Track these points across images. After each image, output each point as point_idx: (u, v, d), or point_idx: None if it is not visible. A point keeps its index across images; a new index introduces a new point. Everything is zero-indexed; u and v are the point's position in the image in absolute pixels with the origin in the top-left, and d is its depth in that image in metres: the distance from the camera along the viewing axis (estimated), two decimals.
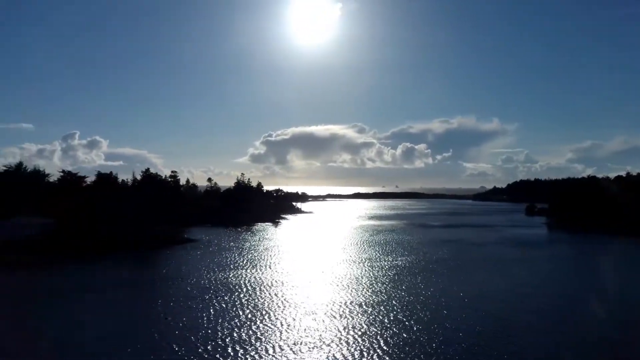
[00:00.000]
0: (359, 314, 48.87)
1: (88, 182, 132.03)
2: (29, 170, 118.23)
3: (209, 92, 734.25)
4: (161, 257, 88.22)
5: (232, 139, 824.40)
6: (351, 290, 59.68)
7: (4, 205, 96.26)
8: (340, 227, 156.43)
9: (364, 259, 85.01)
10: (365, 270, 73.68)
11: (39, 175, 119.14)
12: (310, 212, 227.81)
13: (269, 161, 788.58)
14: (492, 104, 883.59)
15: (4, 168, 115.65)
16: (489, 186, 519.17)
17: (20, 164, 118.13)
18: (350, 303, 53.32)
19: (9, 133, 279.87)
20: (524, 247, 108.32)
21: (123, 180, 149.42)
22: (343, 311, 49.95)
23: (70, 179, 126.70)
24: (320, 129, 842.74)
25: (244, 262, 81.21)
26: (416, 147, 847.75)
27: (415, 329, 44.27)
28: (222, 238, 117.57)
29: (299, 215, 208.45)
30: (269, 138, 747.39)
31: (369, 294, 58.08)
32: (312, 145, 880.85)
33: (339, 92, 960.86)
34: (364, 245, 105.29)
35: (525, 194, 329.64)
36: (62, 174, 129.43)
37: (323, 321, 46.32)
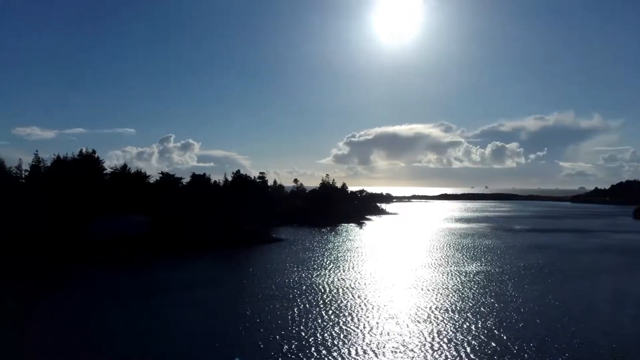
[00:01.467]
0: (445, 320, 47.45)
1: (184, 183, 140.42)
2: (132, 171, 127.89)
3: (294, 95, 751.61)
4: (249, 255, 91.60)
5: (316, 140, 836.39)
6: (436, 295, 58.14)
7: (112, 203, 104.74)
8: (425, 229, 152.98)
9: (450, 263, 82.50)
10: (451, 275, 71.43)
11: (140, 176, 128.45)
12: (395, 214, 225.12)
13: (352, 162, 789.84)
14: (592, 98, 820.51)
15: (111, 170, 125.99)
16: (590, 187, 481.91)
17: (124, 166, 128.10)
18: (435, 308, 51.95)
19: (114, 137, 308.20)
20: (634, 255, 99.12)
21: (215, 180, 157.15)
22: (427, 316, 48.80)
23: (168, 180, 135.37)
24: (404, 129, 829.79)
25: (328, 262, 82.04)
26: (507, 145, 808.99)
27: (505, 337, 42.16)
28: (307, 238, 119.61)
29: (384, 217, 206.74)
30: (352, 139, 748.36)
31: (455, 299, 56.22)
32: (395, 145, 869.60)
33: (424, 90, 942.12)
34: (450, 249, 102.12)
35: (633, 195, 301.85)
36: (161, 175, 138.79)
37: (407, 325, 45.55)
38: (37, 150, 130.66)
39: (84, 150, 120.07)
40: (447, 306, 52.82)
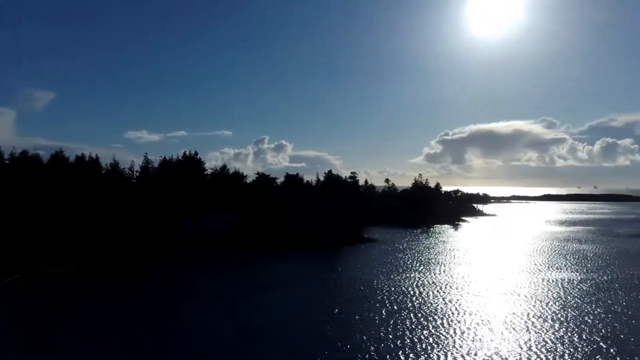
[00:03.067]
0: (544, 329, 44.63)
1: (278, 183, 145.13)
2: (230, 172, 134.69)
3: (384, 94, 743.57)
4: (340, 254, 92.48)
5: (407, 139, 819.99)
6: (534, 302, 54.82)
7: (213, 202, 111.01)
8: (526, 232, 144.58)
9: (552, 269, 77.38)
10: (553, 282, 66.93)
11: (238, 176, 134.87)
12: (492, 215, 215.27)
13: (445, 160, 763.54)
14: None
15: (212, 170, 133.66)
16: None
17: (224, 167, 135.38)
18: (533, 316, 49.02)
19: (213, 139, 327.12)
20: None
21: (307, 180, 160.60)
22: (524, 324, 46.21)
23: (264, 180, 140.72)
24: (502, 126, 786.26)
25: (419, 264, 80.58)
26: (619, 142, 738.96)
27: (614, 352, 38.75)
28: (399, 239, 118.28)
29: (480, 218, 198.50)
30: (445, 137, 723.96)
31: (556, 308, 52.62)
32: (492, 143, 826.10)
33: (524, 85, 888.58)
34: (553, 254, 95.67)
35: None
36: (257, 175, 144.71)
37: (501, 333, 43.51)
38: (146, 153, 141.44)
39: (187, 152, 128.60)
40: (547, 315, 49.62)
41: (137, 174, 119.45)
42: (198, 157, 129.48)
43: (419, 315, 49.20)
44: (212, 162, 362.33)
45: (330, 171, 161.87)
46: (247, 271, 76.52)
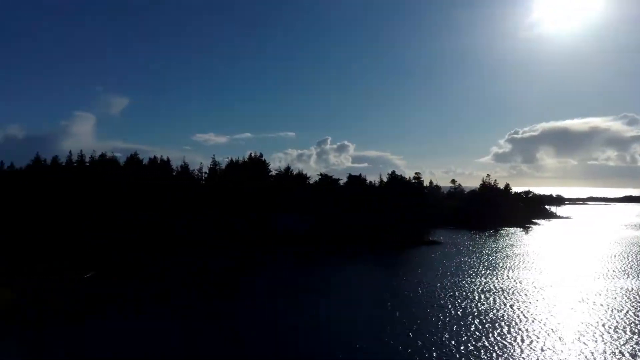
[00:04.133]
0: (618, 340, 41.90)
1: (341, 184, 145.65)
2: (294, 172, 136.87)
3: (449, 92, 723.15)
4: (403, 257, 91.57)
5: (474, 137, 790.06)
6: (609, 311, 51.58)
7: (277, 202, 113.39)
8: (603, 236, 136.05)
9: (630, 276, 72.39)
10: (631, 290, 62.61)
11: (301, 177, 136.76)
12: (567, 217, 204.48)
13: (515, 160, 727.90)
14: None
15: (276, 171, 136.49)
16: None
17: (287, 168, 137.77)
18: (607, 326, 46.14)
19: (277, 141, 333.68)
20: None
21: (370, 181, 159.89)
22: (597, 334, 43.59)
23: (327, 181, 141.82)
24: (577, 123, 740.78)
25: (484, 268, 78.11)
26: None
27: None
28: (464, 241, 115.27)
29: (553, 221, 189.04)
30: (515, 135, 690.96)
31: (634, 318, 49.22)
32: (566, 141, 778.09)
33: (601, 80, 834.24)
34: (633, 260, 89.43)
35: None
36: (320, 176, 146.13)
37: (572, 342, 41.37)
38: (214, 155, 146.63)
39: (252, 154, 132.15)
40: (623, 326, 46.50)
41: (206, 175, 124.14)
42: (263, 158, 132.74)
43: (484, 321, 47.76)
44: (276, 162, 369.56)
45: (393, 172, 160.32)
46: (314, 272, 77.18)
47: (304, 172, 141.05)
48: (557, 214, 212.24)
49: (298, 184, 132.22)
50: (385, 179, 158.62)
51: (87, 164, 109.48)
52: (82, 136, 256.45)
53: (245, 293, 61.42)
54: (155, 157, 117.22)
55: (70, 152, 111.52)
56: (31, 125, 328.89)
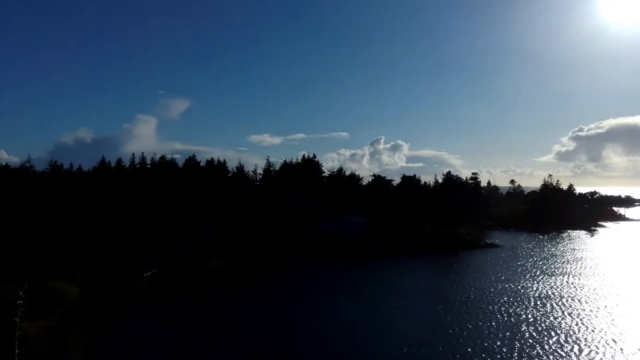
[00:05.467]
0: None
1: (394, 184, 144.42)
2: (346, 174, 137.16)
3: (508, 88, 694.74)
4: (458, 260, 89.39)
5: (535, 135, 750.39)
6: None
7: (331, 204, 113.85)
8: None
9: None
10: None
11: (354, 178, 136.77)
12: (638, 220, 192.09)
13: (579, 159, 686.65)
14: None
15: (329, 172, 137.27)
16: None
17: (340, 169, 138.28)
18: None
19: (330, 141, 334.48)
20: None
21: (425, 182, 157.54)
22: None
23: (380, 182, 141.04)
24: None
25: (543, 273, 74.87)
26: None
27: None
28: (523, 245, 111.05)
29: (622, 223, 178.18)
30: (579, 133, 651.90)
31: None
32: (636, 138, 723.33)
33: None
34: None
35: None
36: (372, 177, 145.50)
37: (633, 354, 38.91)
38: (268, 156, 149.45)
39: (305, 155, 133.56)
40: None
41: (260, 176, 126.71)
42: (316, 159, 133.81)
43: (539, 328, 45.85)
44: (328, 163, 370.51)
45: (449, 172, 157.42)
46: (366, 274, 76.75)
47: (356, 173, 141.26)
48: (627, 216, 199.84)
49: (350, 185, 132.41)
50: (440, 180, 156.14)
51: (148, 166, 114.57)
52: (144, 138, 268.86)
53: (299, 293, 62.30)
54: (212, 158, 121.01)
55: (133, 154, 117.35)
56: (99, 129, 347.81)
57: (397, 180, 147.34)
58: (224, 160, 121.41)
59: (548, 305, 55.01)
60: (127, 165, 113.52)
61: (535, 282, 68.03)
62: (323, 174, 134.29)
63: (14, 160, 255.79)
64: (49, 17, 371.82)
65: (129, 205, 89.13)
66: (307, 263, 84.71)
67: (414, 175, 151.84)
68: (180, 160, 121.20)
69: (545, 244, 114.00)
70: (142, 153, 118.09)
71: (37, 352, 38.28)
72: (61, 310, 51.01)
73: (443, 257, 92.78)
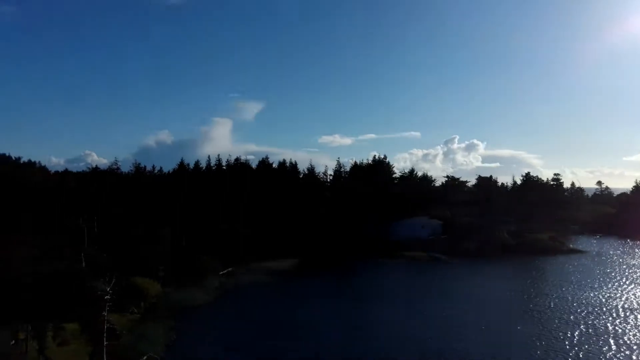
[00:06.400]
0: None
1: (469, 186, 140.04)
2: (419, 175, 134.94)
3: (590, 82, 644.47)
4: (537, 266, 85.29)
5: (623, 133, 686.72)
6: None
7: (402, 205, 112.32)
8: None
9: None
10: None
11: (426, 179, 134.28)
12: None
13: None
14: None
15: (400, 173, 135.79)
16: None
17: (412, 170, 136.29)
18: None
19: (401, 141, 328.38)
20: None
21: (502, 183, 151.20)
22: None
23: (453, 183, 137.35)
24: None
25: (632, 282, 69.49)
26: None
27: None
28: (611, 251, 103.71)
29: None
30: None
31: None
32: None
33: None
34: None
35: None
36: (446, 178, 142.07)
37: None
38: (338, 157, 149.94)
39: (376, 156, 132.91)
40: None
41: (331, 178, 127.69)
42: (387, 160, 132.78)
43: (620, 342, 42.72)
44: (400, 163, 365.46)
45: (528, 173, 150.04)
46: (437, 280, 75.18)
47: (428, 174, 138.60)
48: None
49: (422, 187, 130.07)
50: (519, 181, 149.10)
51: (224, 168, 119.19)
52: (220, 140, 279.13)
53: (368, 294, 62.40)
54: (284, 160, 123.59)
55: (209, 157, 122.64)
56: (179, 131, 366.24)
57: (472, 181, 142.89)
58: (295, 162, 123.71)
59: (631, 317, 51.07)
60: (204, 167, 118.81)
61: (623, 292, 63.35)
62: (394, 175, 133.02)
63: (103, 162, 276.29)
64: (134, 24, 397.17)
65: (204, 207, 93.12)
66: (378, 266, 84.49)
67: (490, 176, 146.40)
68: (254, 161, 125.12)
69: (636, 250, 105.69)
70: (218, 155, 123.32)
71: (123, 344, 41.32)
72: (145, 305, 54.67)
73: (521, 262, 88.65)
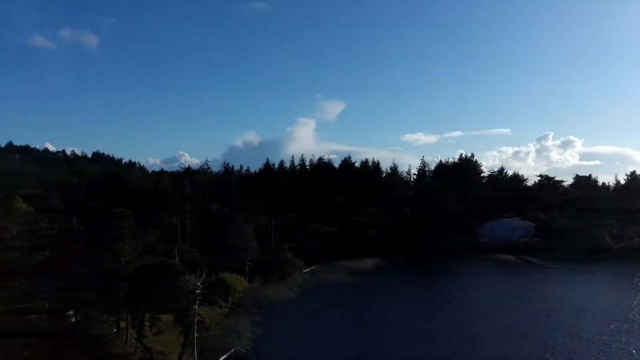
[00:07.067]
0: None
1: (565, 185, 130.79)
2: (509, 174, 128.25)
3: None
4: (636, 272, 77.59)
5: None
6: None
7: (491, 206, 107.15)
8: None
9: None
10: None
11: (517, 179, 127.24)
12: None
13: None
14: None
15: (488, 172, 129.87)
16: None
17: (501, 169, 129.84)
18: None
19: (489, 138, 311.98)
20: None
21: (603, 183, 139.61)
22: None
23: (547, 183, 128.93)
24: None
25: None
26: None
27: None
28: None
29: None
30: None
31: None
32: None
33: None
34: None
35: None
36: (539, 177, 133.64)
37: None
38: (423, 156, 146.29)
39: (462, 154, 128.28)
40: None
41: (414, 177, 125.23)
42: (474, 158, 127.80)
43: None
44: (488, 162, 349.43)
45: (633, 172, 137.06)
46: (531, 285, 70.84)
47: (519, 173, 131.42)
48: None
49: (513, 186, 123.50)
50: (622, 180, 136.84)
51: (307, 168, 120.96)
52: (303, 140, 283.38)
53: (458, 296, 60.29)
54: (366, 159, 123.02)
55: (292, 157, 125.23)
56: (265, 132, 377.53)
57: (568, 180, 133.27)
58: (378, 161, 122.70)
59: None
60: (289, 167, 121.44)
61: None
62: (482, 174, 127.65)
63: (195, 162, 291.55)
64: (222, 29, 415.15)
65: (289, 206, 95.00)
66: (466, 268, 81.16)
67: (589, 174, 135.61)
68: (337, 161, 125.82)
69: None
70: (302, 155, 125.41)
71: (212, 336, 42.94)
72: (232, 299, 56.66)
73: (627, 268, 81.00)
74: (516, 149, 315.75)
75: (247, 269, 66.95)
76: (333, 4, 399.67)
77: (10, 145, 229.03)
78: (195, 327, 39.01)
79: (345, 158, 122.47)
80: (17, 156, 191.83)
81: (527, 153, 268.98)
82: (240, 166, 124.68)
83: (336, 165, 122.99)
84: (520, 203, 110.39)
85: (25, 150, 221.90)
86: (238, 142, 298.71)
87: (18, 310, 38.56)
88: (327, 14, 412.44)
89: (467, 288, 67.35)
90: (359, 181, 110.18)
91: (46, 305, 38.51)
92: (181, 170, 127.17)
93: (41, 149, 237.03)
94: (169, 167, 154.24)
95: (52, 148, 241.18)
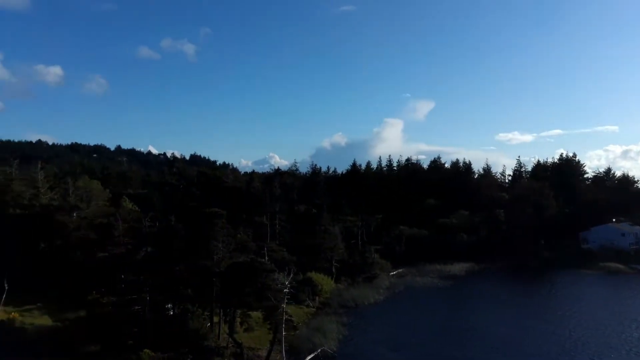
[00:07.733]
0: None
1: None
2: (617, 175, 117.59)
3: None
4: None
5: None
6: None
7: (595, 210, 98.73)
8: None
9: None
10: None
11: (626, 180, 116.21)
12: None
13: None
14: None
15: (593, 173, 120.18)
16: None
17: (608, 170, 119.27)
18: None
19: (593, 136, 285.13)
20: None
21: None
22: None
23: None
24: None
25: None
26: None
27: None
28: None
29: None
30: None
31: None
32: None
33: None
34: None
35: None
36: None
37: None
38: (519, 156, 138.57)
39: (563, 154, 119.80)
40: None
41: (509, 178, 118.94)
42: (576, 158, 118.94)
43: None
44: (593, 161, 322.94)
45: None
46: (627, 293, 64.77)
47: (629, 174, 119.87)
48: None
49: (622, 188, 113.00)
50: None
51: (395, 168, 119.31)
52: (391, 141, 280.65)
53: (559, 305, 56.38)
54: (457, 160, 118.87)
55: (379, 158, 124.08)
56: (352, 133, 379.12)
57: None
58: (469, 162, 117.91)
59: None
60: (375, 168, 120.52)
61: None
62: (585, 175, 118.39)
63: (284, 163, 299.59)
64: (311, 32, 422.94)
65: (376, 207, 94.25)
66: (568, 276, 75.19)
67: None
68: (425, 161, 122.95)
69: None
70: (389, 155, 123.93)
71: (299, 335, 43.58)
72: (319, 299, 57.21)
73: None
74: (625, 147, 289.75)
75: (333, 269, 67.26)
76: (421, 4, 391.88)
77: (118, 148, 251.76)
78: (284, 325, 39.75)
79: (434, 158, 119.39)
80: (125, 158, 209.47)
81: (638, 152, 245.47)
82: (328, 167, 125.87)
83: (425, 165, 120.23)
84: (631, 206, 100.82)
85: (132, 153, 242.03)
86: (325, 143, 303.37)
87: (124, 302, 41.95)
88: (414, 13, 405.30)
89: (573, 299, 61.78)
90: (449, 182, 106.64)
91: (148, 298, 41.32)
92: (271, 171, 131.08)
93: (145, 152, 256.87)
94: (260, 169, 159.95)
95: (154, 151, 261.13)
